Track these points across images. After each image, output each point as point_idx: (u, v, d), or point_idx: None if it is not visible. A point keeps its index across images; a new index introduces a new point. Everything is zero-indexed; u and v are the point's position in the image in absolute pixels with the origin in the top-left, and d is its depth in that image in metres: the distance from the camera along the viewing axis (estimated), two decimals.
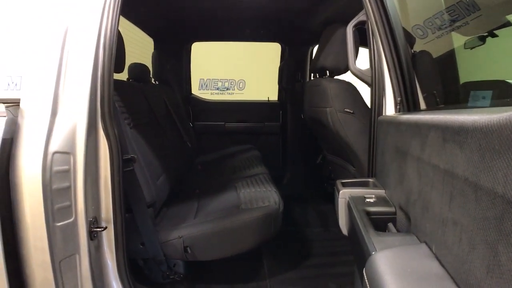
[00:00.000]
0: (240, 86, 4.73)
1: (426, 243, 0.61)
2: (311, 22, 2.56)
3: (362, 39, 1.45)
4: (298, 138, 3.12)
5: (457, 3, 1.78)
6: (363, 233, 0.74)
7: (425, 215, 0.63)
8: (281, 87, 3.21)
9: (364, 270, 0.62)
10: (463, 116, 0.49)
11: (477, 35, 1.81)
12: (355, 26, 1.41)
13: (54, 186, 1.00)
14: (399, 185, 0.83)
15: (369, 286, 0.56)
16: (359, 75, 1.39)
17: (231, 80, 4.69)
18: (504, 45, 1.81)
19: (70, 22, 1.08)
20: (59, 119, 1.04)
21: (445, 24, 1.84)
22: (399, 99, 1.09)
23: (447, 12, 1.83)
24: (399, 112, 1.09)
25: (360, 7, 1.36)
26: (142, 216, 1.38)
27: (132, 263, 1.39)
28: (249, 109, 3.27)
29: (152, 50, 2.87)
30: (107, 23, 1.12)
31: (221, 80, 4.65)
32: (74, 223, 1.08)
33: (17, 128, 0.98)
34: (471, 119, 0.46)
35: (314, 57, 1.88)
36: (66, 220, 1.05)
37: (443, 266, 0.53)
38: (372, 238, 0.69)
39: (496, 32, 1.78)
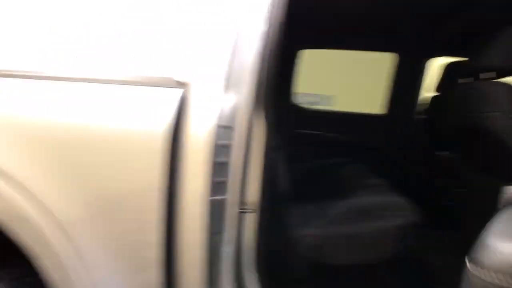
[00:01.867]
0: (329, 102, 4.56)
1: None
2: (442, 32, 2.34)
3: None
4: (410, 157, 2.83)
5: None
6: None
7: None
8: (392, 100, 2.96)
9: None
10: None
11: None
12: None
13: (216, 159, 0.96)
14: None
15: None
16: None
17: (321, 95, 4.56)
18: None
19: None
20: (227, 95, 0.99)
21: None
22: None
23: None
24: None
25: None
26: (279, 206, 1.30)
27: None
28: (352, 120, 3.09)
29: None
30: None
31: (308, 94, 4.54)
32: (226, 201, 1.03)
33: (185, 101, 0.96)
34: None
35: (471, 58, 1.65)
36: (219, 196, 1.01)
37: None
38: None
39: None
